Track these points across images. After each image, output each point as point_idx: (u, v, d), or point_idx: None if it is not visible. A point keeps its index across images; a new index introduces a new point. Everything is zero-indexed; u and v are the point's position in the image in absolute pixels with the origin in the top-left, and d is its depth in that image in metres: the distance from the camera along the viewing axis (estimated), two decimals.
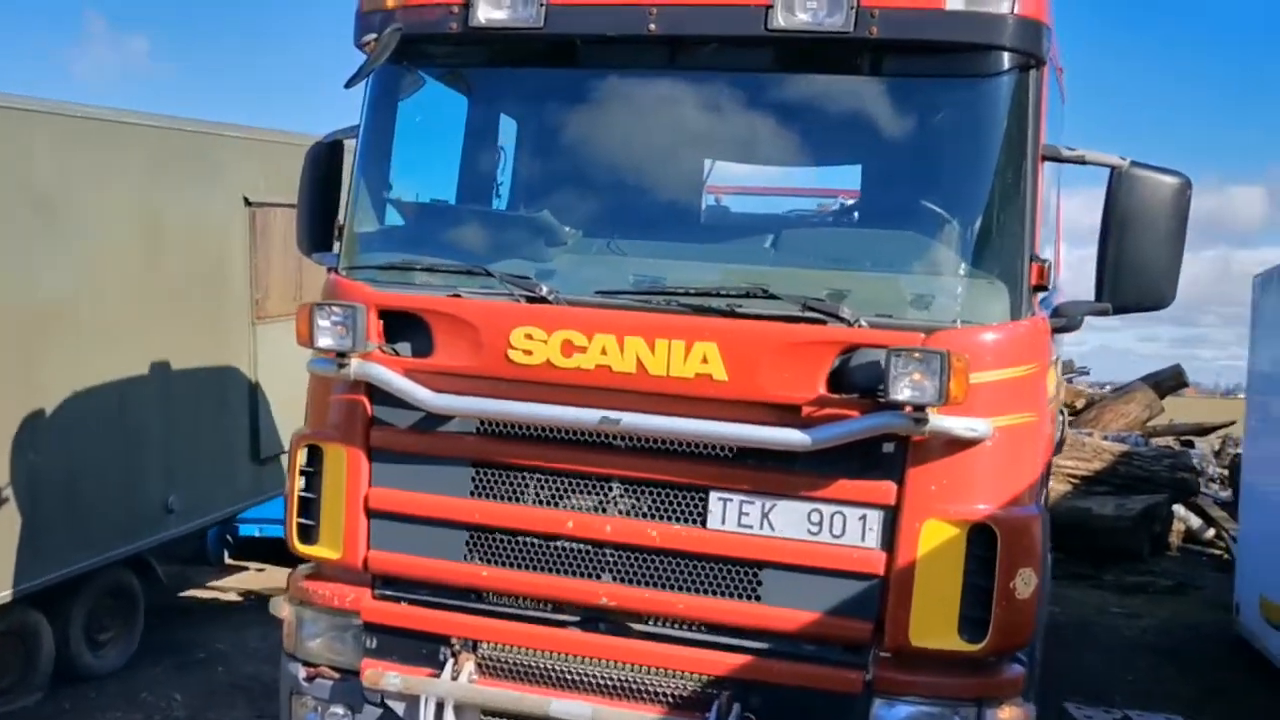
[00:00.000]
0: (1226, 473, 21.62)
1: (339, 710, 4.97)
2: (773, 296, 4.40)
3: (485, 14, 4.70)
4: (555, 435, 4.63)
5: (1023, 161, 4.45)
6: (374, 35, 4.86)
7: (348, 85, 4.95)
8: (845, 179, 6.97)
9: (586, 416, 4.47)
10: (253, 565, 12.72)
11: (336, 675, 4.98)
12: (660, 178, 4.93)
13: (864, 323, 4.31)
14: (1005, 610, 4.25)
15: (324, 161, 5.37)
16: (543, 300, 4.61)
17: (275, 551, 12.77)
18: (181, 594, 11.16)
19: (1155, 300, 4.46)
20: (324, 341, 4.66)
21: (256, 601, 11.21)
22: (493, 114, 5.30)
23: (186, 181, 8.98)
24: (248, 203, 9.63)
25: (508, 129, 5.36)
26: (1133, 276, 4.41)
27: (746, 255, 4.90)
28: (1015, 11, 4.31)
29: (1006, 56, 4.40)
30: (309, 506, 4.98)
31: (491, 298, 4.69)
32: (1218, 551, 16.68)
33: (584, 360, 4.48)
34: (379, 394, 4.81)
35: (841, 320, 4.31)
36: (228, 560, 12.64)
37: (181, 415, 8.89)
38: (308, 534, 4.98)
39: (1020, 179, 4.45)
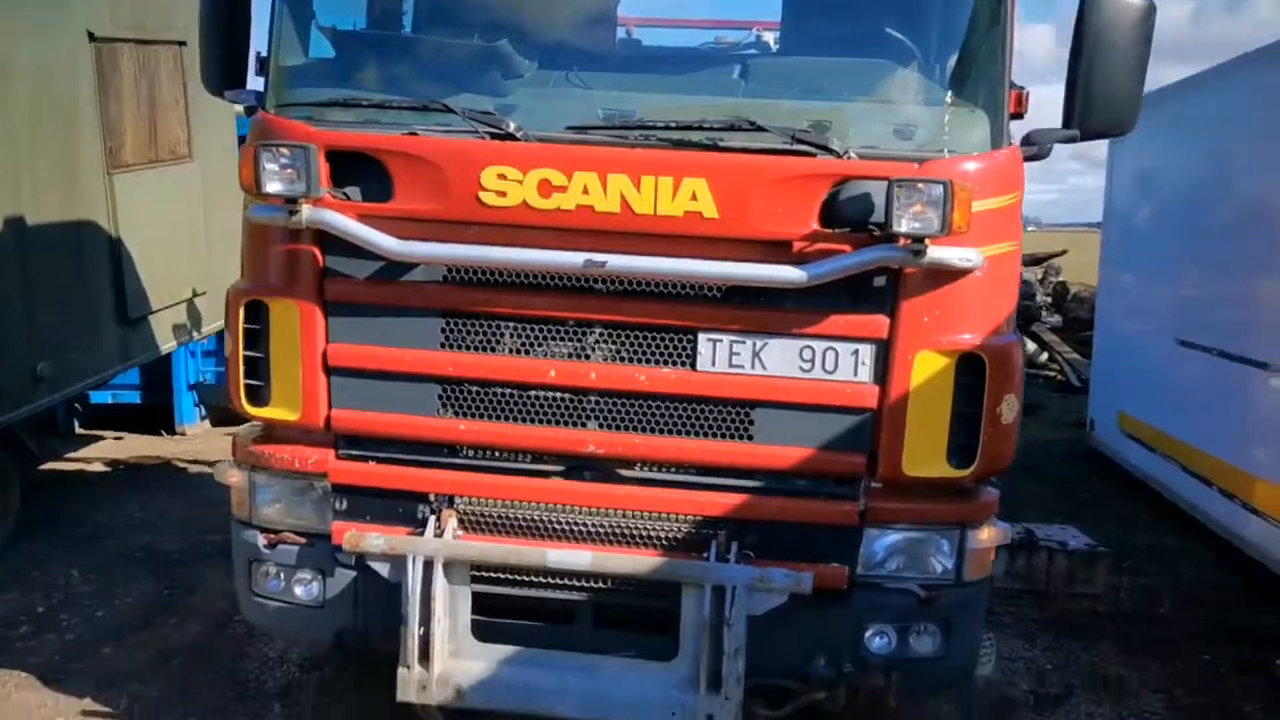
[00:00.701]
0: (1050, 299, 22.82)
1: (306, 575, 4.76)
2: (760, 129, 4.24)
3: None
4: (531, 281, 4.41)
5: None
6: None
7: None
8: (763, 9, 6.79)
9: (569, 260, 4.26)
10: (109, 434, 12.09)
11: (302, 540, 4.75)
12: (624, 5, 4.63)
13: (853, 154, 4.20)
14: (992, 436, 4.34)
15: None
16: (510, 137, 4.32)
17: (128, 419, 12.21)
18: (41, 467, 10.51)
19: (1121, 125, 4.47)
20: (272, 187, 4.26)
21: (126, 471, 10.68)
22: None
23: (19, 13, 8.04)
24: (93, 38, 8.73)
25: None
26: (1102, 102, 4.40)
27: (717, 87, 4.70)
28: None
29: None
30: (256, 366, 4.65)
31: (454, 136, 4.37)
32: (1052, 373, 17.70)
33: (563, 200, 4.24)
34: (332, 243, 4.47)
35: (830, 152, 4.20)
36: (78, 430, 11.98)
37: (40, 277, 8.16)
38: (257, 395, 4.66)
39: (1000, 2, 4.37)
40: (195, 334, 10.64)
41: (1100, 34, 4.34)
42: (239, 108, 6.63)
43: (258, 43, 4.90)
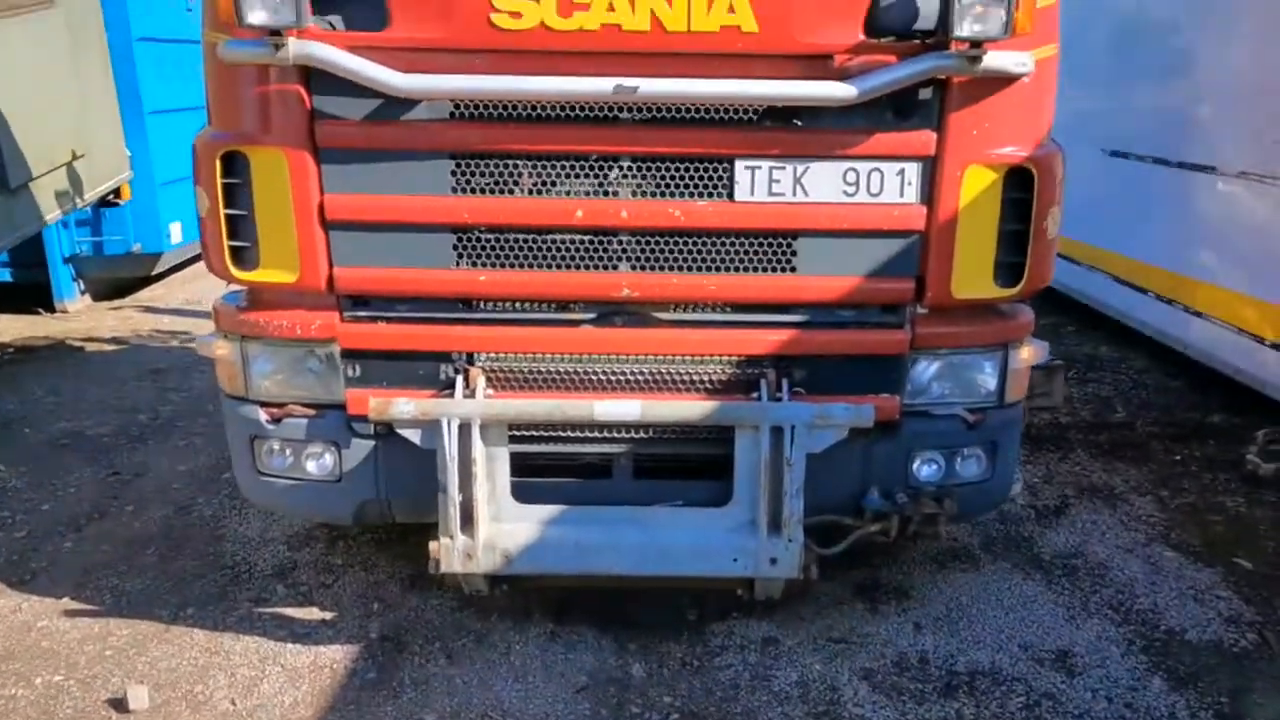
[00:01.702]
0: None
1: (318, 448, 4.42)
2: None
3: None
4: (550, 112, 4.02)
5: None
6: None
7: None
8: None
9: (597, 87, 3.88)
10: None
11: (311, 412, 4.38)
12: None
13: None
14: (1038, 252, 4.21)
15: None
16: None
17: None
18: None
19: None
20: (255, 17, 3.74)
21: (15, 355, 9.90)
22: None
23: None
24: None
25: None
26: None
27: None
28: None
29: None
30: (238, 225, 4.18)
31: None
32: None
33: (586, 20, 3.84)
34: (320, 81, 3.99)
35: None
36: None
37: None
38: (243, 258, 4.21)
39: None
40: (79, 201, 9.77)
41: None
42: None
43: None
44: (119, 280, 12.32)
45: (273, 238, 4.17)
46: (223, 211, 4.16)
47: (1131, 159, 8.81)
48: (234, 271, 4.23)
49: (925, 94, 4.03)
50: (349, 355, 4.29)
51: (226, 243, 4.19)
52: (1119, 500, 6.08)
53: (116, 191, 10.69)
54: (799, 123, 4.03)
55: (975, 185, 4.10)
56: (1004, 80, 4.00)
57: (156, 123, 11.80)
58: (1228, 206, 7.58)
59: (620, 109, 4.01)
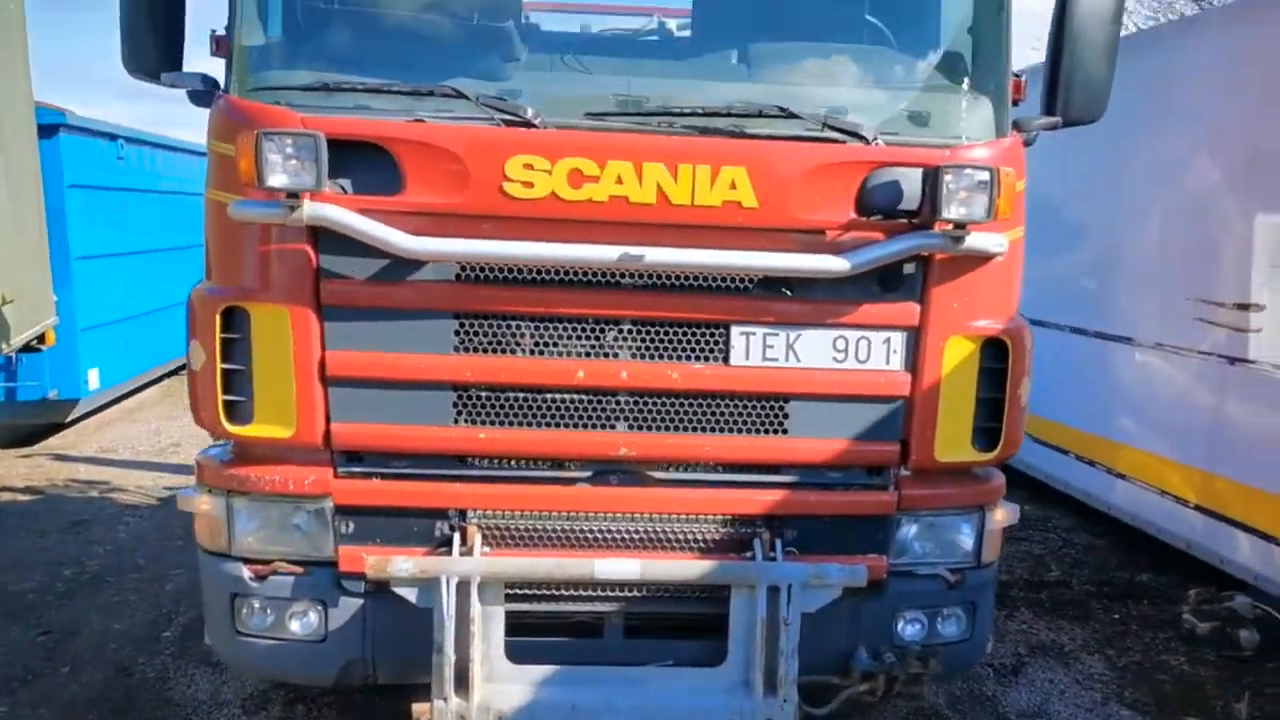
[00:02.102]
0: None
1: (302, 607, 4.33)
2: (792, 115, 4.14)
3: None
4: (554, 276, 4.15)
5: None
6: None
7: None
8: None
9: (604, 254, 4.04)
10: None
11: (299, 569, 4.31)
12: None
13: (880, 141, 4.17)
14: (1013, 418, 4.42)
15: None
16: (528, 124, 4.05)
17: None
18: None
19: (1096, 112, 4.63)
20: (275, 180, 3.84)
21: None
22: None
23: None
24: None
25: None
26: (1081, 89, 4.55)
27: (720, 72, 4.55)
28: None
29: None
30: (234, 380, 4.18)
31: (463, 123, 4.05)
32: None
33: (596, 191, 4.02)
34: (329, 241, 4.07)
35: (860, 138, 4.15)
36: None
37: None
38: (236, 412, 4.19)
39: None
40: (4, 346, 9.54)
41: (1079, 27, 4.47)
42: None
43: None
44: (28, 427, 11.95)
45: (269, 393, 4.17)
46: (220, 366, 4.15)
47: (1050, 328, 9.28)
48: (227, 426, 4.20)
49: (910, 269, 4.27)
50: (343, 511, 4.26)
51: (221, 397, 4.17)
52: (1070, 659, 6.24)
53: (40, 336, 10.48)
54: (791, 292, 4.23)
55: (956, 355, 4.33)
56: (982, 259, 4.26)
57: (83, 268, 11.69)
58: (1146, 375, 8.02)
59: (624, 275, 4.16)
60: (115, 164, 13.06)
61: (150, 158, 14.51)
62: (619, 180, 4.01)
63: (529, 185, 4.01)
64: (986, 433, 4.41)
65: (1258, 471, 6.83)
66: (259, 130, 3.82)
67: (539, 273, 4.15)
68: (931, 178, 4.02)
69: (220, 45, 4.33)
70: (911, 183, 4.16)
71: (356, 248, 4.06)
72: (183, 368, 16.41)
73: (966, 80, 4.42)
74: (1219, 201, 7.17)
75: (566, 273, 4.15)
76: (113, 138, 13.07)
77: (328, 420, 4.19)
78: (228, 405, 4.18)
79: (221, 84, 4.36)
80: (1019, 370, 4.40)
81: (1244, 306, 6.92)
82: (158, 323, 14.25)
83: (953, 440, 4.38)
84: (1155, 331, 7.87)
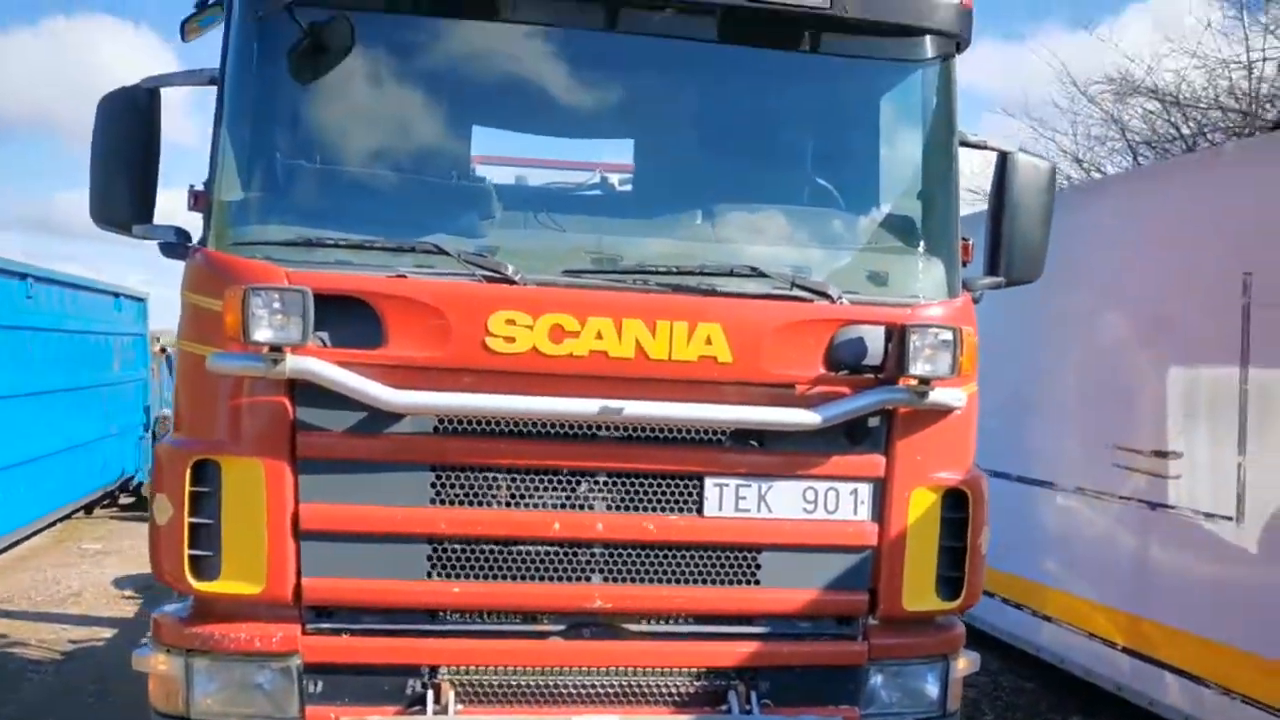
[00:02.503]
0: None
1: None
2: (762, 274, 4.32)
3: None
4: (532, 428, 4.20)
5: (952, 140, 4.72)
6: None
7: (261, 17, 4.11)
8: (617, 152, 6.93)
9: (585, 408, 4.11)
10: None
11: None
12: (621, 150, 4.63)
13: (845, 300, 4.36)
14: (974, 566, 4.55)
15: (142, 112, 4.40)
16: (509, 281, 4.15)
17: None
18: None
19: (1035, 273, 4.92)
20: (261, 334, 3.84)
21: None
22: (398, 61, 4.52)
23: None
24: None
25: (410, 80, 4.64)
26: (1022, 252, 4.84)
27: (687, 231, 4.71)
28: (957, 1, 4.56)
29: (951, 42, 4.62)
30: (201, 535, 4.09)
31: (444, 278, 4.13)
32: None
33: (576, 346, 4.11)
34: (305, 394, 4.07)
35: (826, 297, 4.34)
36: None
37: None
38: (202, 568, 4.09)
39: (952, 158, 4.72)
40: None
41: (1018, 193, 4.77)
42: None
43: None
44: None
45: (238, 548, 4.09)
46: (187, 520, 4.07)
47: None
48: (192, 582, 4.09)
49: (874, 422, 4.42)
50: (311, 670, 4.15)
51: (187, 552, 4.07)
52: None
53: None
54: (762, 445, 4.33)
55: (919, 506, 4.46)
56: (943, 412, 4.44)
57: None
58: (1069, 519, 8.28)
59: (601, 427, 4.22)
60: (24, 303, 12.78)
61: (59, 296, 14.24)
62: (599, 336, 4.11)
63: (511, 340, 4.08)
64: (949, 582, 4.52)
65: (1183, 614, 7.05)
66: (247, 285, 3.84)
67: (517, 425, 4.19)
68: (899, 336, 4.21)
69: (199, 199, 4.36)
70: (875, 339, 4.35)
71: (334, 400, 4.06)
72: (79, 510, 15.84)
73: (921, 243, 4.66)
74: (1133, 354, 7.56)
75: (544, 425, 4.20)
76: (22, 277, 12.84)
77: (298, 575, 4.11)
78: (193, 561, 4.08)
79: (196, 237, 4.39)
80: (979, 520, 4.54)
81: (1162, 454, 7.24)
82: (59, 464, 13.78)
83: (919, 589, 4.48)
84: (1077, 477, 8.16)
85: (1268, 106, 16.45)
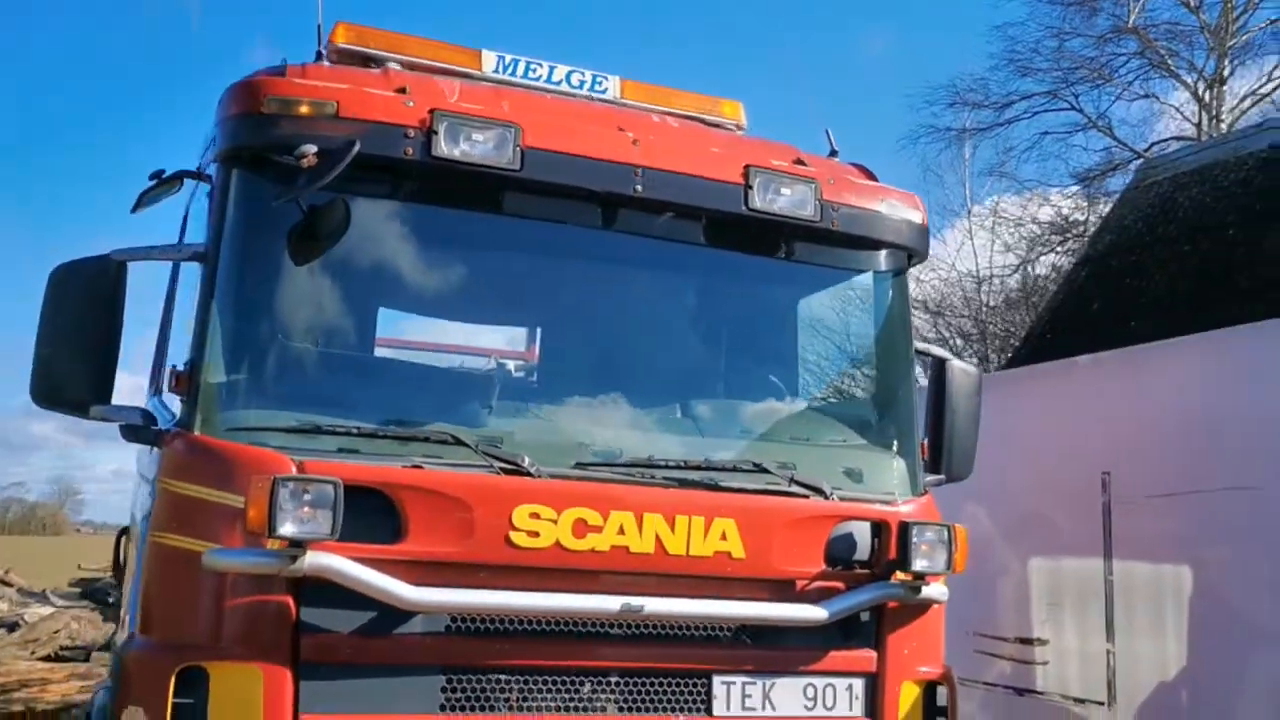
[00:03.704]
0: None
1: None
2: (764, 470, 4.42)
3: (452, 148, 4.13)
4: (546, 627, 4.06)
5: (911, 344, 5.06)
6: (312, 148, 3.98)
7: (279, 200, 3.98)
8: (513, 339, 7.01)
9: (607, 606, 4.03)
10: None
11: None
12: (608, 343, 4.67)
13: (836, 497, 4.51)
14: None
15: (108, 286, 4.15)
16: (524, 473, 4.07)
17: None
18: None
19: (968, 471, 5.26)
20: (287, 529, 3.59)
21: None
22: (399, 246, 4.46)
23: None
24: None
25: (409, 266, 4.56)
26: (959, 452, 5.17)
27: (673, 426, 4.76)
28: (922, 221, 4.97)
29: (911, 256, 5.00)
30: None
31: (462, 470, 4.02)
32: None
33: (599, 541, 4.05)
34: (310, 593, 3.79)
35: (820, 494, 4.47)
36: None
37: None
38: None
39: (911, 360, 5.04)
40: None
41: (953, 396, 5.13)
42: None
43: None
44: None
45: None
46: None
47: None
48: None
49: (865, 617, 4.52)
50: None
51: None
52: None
53: None
54: (763, 641, 4.34)
55: (908, 699, 4.55)
56: (924, 607, 4.59)
57: None
58: None
59: (614, 624, 4.13)
60: None
61: None
62: (620, 530, 4.08)
63: (534, 535, 3.98)
64: None
65: None
66: (274, 476, 3.60)
67: (530, 623, 4.04)
68: (899, 533, 4.37)
69: (180, 381, 4.07)
70: (865, 535, 4.51)
71: (341, 599, 3.81)
72: None
73: (894, 442, 4.90)
74: (996, 546, 8.03)
75: (558, 623, 4.07)
76: None
77: None
78: None
79: (170, 420, 4.10)
80: (955, 709, 4.66)
81: (1027, 641, 7.66)
82: None
83: None
84: None
85: None
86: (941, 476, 5.13)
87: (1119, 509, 7.09)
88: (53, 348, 4.07)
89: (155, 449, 4.22)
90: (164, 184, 4.75)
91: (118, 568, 5.06)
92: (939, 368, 5.17)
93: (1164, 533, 6.76)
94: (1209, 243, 10.69)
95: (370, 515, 3.85)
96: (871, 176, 5.08)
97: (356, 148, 3.94)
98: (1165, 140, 23.94)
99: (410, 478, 3.91)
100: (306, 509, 3.62)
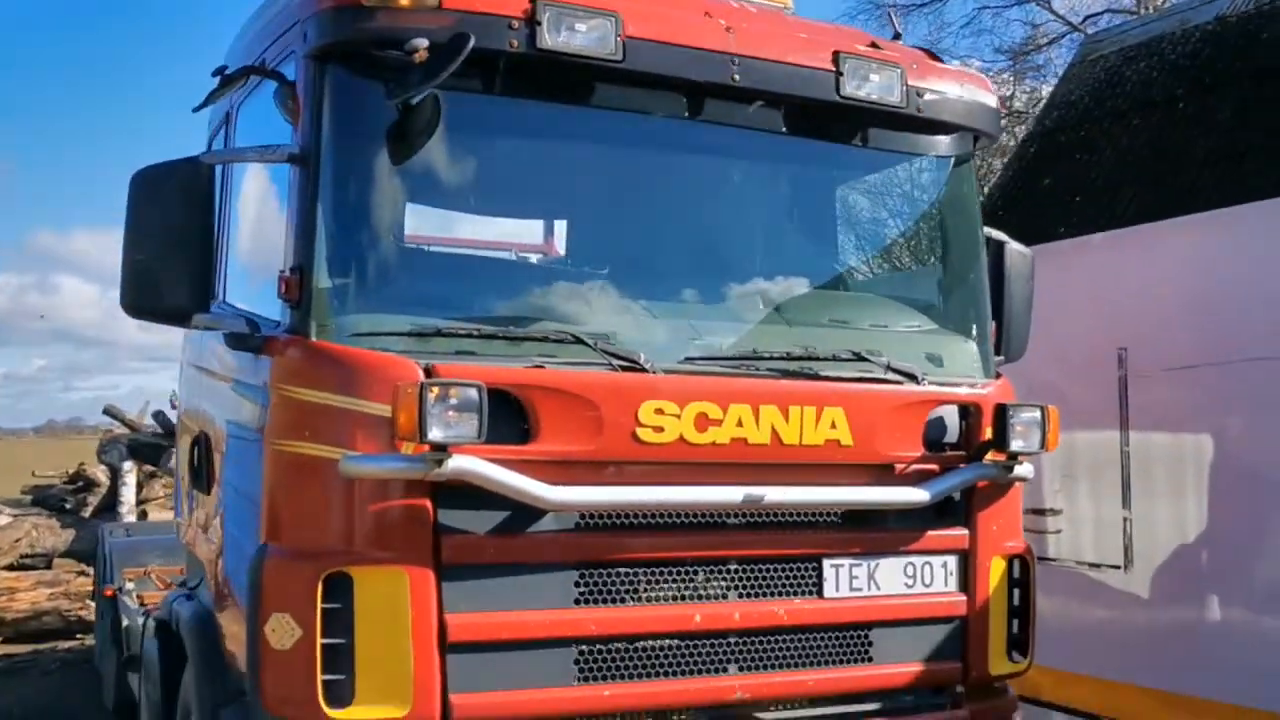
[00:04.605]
0: None
1: None
2: (863, 359, 4.49)
3: (556, 38, 4.03)
4: (670, 520, 4.13)
5: (981, 230, 5.12)
6: (423, 42, 3.84)
7: (395, 99, 3.86)
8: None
9: (731, 496, 4.10)
10: None
11: None
12: (696, 236, 4.65)
13: (926, 383, 4.61)
14: (1034, 629, 4.87)
15: (200, 189, 4.04)
16: (642, 370, 4.09)
17: None
18: None
19: (1022, 353, 5.40)
20: (437, 434, 3.58)
21: None
22: (518, 146, 4.38)
23: None
24: None
25: (520, 164, 4.47)
26: (1015, 333, 5.30)
27: (761, 317, 4.75)
28: (996, 104, 4.99)
29: (977, 139, 5.03)
30: (334, 657, 3.71)
31: (586, 369, 4.02)
32: None
33: (719, 434, 4.11)
34: (446, 496, 3.80)
35: (914, 380, 4.56)
36: None
37: None
38: (335, 694, 3.70)
39: (982, 244, 5.11)
40: None
41: (1011, 281, 5.22)
42: None
43: None
44: None
45: (378, 667, 3.74)
46: (320, 642, 3.68)
47: None
48: (327, 710, 3.68)
49: (956, 497, 4.66)
50: None
51: (321, 677, 3.67)
52: None
53: None
54: (871, 523, 4.46)
55: (996, 573, 4.74)
56: (1008, 485, 4.75)
57: None
58: None
59: (731, 515, 4.21)
60: None
61: None
62: (739, 423, 4.13)
63: (659, 430, 4.02)
64: (1019, 645, 4.80)
65: (1066, 657, 7.73)
66: (421, 381, 3.57)
67: (655, 517, 4.10)
68: (996, 415, 4.49)
69: (288, 286, 3.98)
70: (954, 418, 4.62)
71: (477, 501, 3.83)
72: None
73: (973, 326, 4.98)
74: None
75: (679, 515, 4.14)
76: None
77: (445, 691, 3.80)
78: (329, 688, 3.68)
79: (280, 325, 4.03)
80: (1034, 583, 4.86)
81: (1039, 511, 7.95)
82: None
83: (1000, 655, 4.74)
84: None
85: None
86: (1000, 358, 5.24)
87: (1135, 382, 7.33)
88: (147, 255, 3.96)
89: (259, 356, 4.14)
90: (231, 81, 4.57)
91: (196, 477, 4.98)
92: (997, 250, 5.24)
93: (1183, 403, 7.02)
94: (1159, 115, 10.88)
95: (498, 417, 3.84)
96: (938, 60, 5.07)
97: (472, 42, 3.81)
98: (1097, 15, 24.15)
99: (543, 378, 3.90)
100: (452, 413, 3.61)
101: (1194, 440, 7.01)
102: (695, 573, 4.18)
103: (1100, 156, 11.46)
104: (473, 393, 3.62)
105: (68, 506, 17.97)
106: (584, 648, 3.99)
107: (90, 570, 14.26)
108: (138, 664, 8.50)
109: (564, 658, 3.96)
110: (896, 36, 5.18)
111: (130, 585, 9.24)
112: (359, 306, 3.99)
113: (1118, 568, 7.42)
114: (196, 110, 4.71)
